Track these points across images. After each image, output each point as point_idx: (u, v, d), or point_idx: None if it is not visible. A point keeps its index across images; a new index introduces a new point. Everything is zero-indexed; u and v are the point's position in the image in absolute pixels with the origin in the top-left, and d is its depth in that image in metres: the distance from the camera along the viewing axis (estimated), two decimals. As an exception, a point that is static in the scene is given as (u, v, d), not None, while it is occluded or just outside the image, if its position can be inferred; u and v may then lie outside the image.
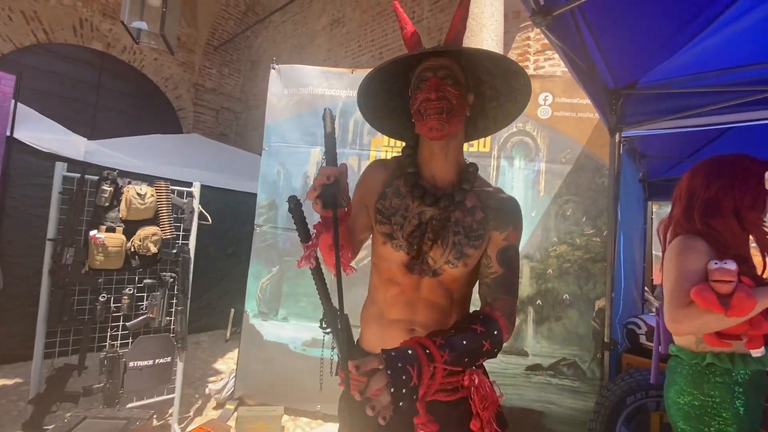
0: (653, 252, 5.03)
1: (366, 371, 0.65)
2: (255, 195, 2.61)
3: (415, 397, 0.65)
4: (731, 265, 1.02)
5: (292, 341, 2.50)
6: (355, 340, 1.01)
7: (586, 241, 2.29)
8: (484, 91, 0.95)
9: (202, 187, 2.31)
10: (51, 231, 1.82)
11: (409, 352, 0.67)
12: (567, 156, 2.33)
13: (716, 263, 1.04)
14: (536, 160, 2.36)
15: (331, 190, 0.73)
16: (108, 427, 1.58)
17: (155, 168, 3.43)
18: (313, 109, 2.55)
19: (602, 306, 2.24)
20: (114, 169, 1.86)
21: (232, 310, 4.00)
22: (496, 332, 0.78)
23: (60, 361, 1.90)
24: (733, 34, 1.69)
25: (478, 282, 0.94)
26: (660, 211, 5.05)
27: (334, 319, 0.89)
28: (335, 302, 0.82)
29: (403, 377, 0.63)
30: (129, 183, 1.92)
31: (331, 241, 0.85)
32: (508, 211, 0.91)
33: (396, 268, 0.91)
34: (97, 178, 1.87)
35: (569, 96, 2.34)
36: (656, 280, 5.02)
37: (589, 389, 2.25)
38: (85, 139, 3.28)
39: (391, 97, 0.98)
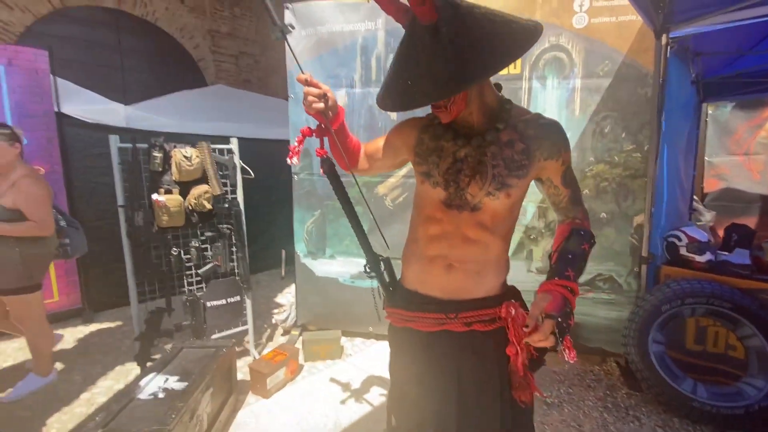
0: (705, 159, 4.72)
1: (540, 336, 0.77)
2: (287, 142, 2.70)
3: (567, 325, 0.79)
4: None
5: (341, 275, 2.75)
6: (398, 278, 1.14)
7: (625, 158, 2.22)
8: None
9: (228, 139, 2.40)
10: (119, 198, 2.04)
11: (567, 310, 0.79)
12: (606, 68, 2.17)
13: None
14: (571, 77, 2.22)
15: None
16: (202, 353, 1.91)
17: (189, 126, 3.57)
18: (333, 49, 2.49)
19: (641, 222, 2.24)
20: (160, 135, 2.00)
21: (283, 251, 4.35)
22: (593, 240, 0.93)
23: (151, 305, 2.25)
24: None
25: (553, 208, 1.01)
26: (716, 112, 4.61)
27: (377, 262, 1.02)
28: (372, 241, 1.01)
29: (565, 327, 0.78)
30: (174, 147, 2.07)
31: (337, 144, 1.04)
32: (554, 137, 0.91)
33: (435, 205, 0.97)
34: (146, 146, 2.02)
35: (608, -2, 2.11)
36: (706, 188, 4.78)
37: (625, 301, 2.34)
38: (123, 105, 3.44)
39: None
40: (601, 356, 2.49)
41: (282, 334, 2.93)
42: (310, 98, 0.89)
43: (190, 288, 2.27)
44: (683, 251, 2.28)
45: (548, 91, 2.25)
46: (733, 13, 1.85)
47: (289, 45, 0.96)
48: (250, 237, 4.45)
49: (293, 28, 0.94)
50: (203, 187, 2.14)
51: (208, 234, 2.27)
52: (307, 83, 0.89)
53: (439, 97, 0.80)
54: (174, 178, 2.09)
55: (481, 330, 0.97)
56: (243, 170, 2.33)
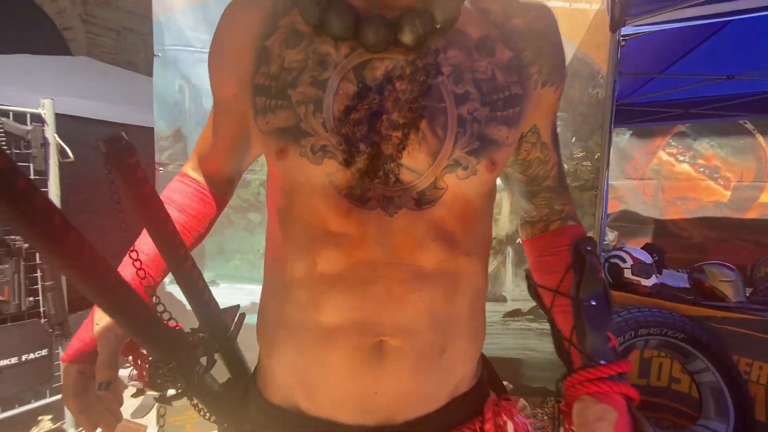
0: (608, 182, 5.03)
1: None
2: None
3: None
4: None
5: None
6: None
7: (575, 166, 1.94)
8: None
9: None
10: None
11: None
12: (557, 61, 1.88)
13: None
14: (520, 68, 1.89)
15: None
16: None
17: (12, 97, 2.50)
18: (222, -3, 1.82)
19: (589, 240, 1.97)
20: None
21: (157, 272, 3.36)
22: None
23: None
24: None
25: (528, 190, 0.56)
26: (617, 139, 4.95)
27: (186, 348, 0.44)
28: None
29: None
30: None
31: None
32: (554, 40, 0.49)
33: (325, 205, 0.42)
34: None
35: (562, -19, 1.84)
36: (609, 209, 5.09)
37: (571, 331, 2.05)
38: None
39: None
40: (542, 397, 2.15)
41: (133, 395, 2.04)
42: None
43: (-61, 342, 1.34)
44: (628, 274, 2.07)
45: (495, 81, 1.89)
46: (685, 10, 1.70)
47: None
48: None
49: None
50: (-31, 171, 1.27)
51: (-17, 250, 1.38)
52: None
53: None
54: None
55: None
56: (61, 151, 1.50)
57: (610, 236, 4.50)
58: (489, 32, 0.44)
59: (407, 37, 0.39)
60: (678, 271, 2.51)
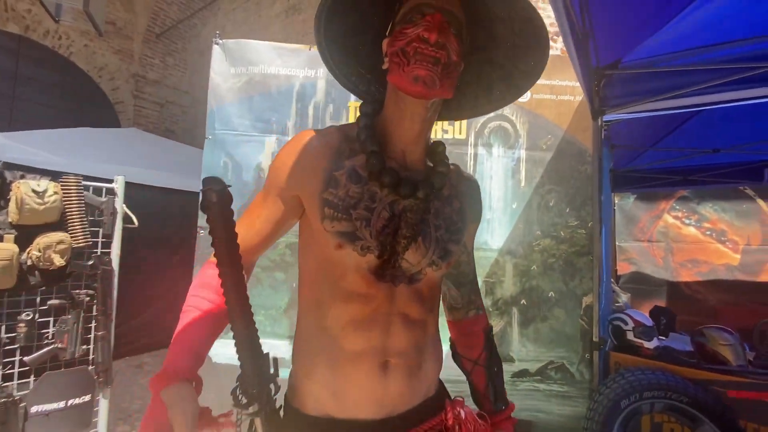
0: (617, 244, 5.11)
1: None
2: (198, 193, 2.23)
3: None
4: None
5: (247, 362, 2.14)
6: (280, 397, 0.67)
7: (570, 233, 2.13)
8: (473, 62, 0.71)
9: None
10: None
11: None
12: (548, 142, 2.16)
13: None
14: (516, 148, 2.17)
15: None
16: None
17: (78, 165, 2.91)
18: (265, 91, 2.21)
19: (590, 303, 2.09)
20: (-3, 160, 1.43)
21: (180, 325, 3.52)
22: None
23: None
24: (719, 8, 1.59)
25: (453, 284, 0.84)
26: (621, 203, 5.13)
27: (264, 375, 0.59)
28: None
29: None
30: (21, 177, 1.50)
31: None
32: (478, 196, 0.82)
33: (359, 277, 0.64)
34: (-27, 172, 1.43)
35: (548, 77, 2.18)
36: (619, 271, 5.11)
37: (579, 393, 2.09)
38: (-15, 131, 2.72)
39: (357, 28, 0.69)
40: (555, 462, 2.13)
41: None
42: None
43: (5, 384, 1.52)
44: (630, 336, 2.14)
45: (494, 159, 2.16)
46: (659, 103, 1.97)
47: None
48: (139, 305, 3.59)
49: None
50: (56, 236, 1.54)
51: (54, 302, 1.61)
52: None
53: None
54: (11, 220, 1.48)
55: None
56: (125, 218, 1.78)
57: (624, 298, 4.49)
58: (450, 192, 0.72)
59: (420, 195, 0.64)
60: (682, 334, 2.54)
